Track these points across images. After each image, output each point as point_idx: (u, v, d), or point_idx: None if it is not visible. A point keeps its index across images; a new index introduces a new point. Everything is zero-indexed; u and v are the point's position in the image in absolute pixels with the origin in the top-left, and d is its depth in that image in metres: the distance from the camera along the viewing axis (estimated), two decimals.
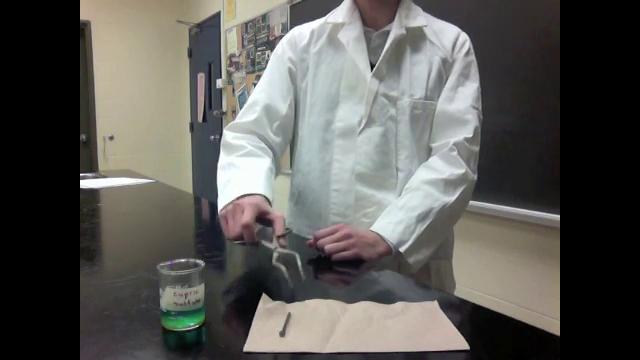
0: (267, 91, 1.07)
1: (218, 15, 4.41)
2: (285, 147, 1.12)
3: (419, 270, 0.97)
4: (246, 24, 3.89)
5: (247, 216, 0.78)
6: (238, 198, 0.85)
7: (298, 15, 3.17)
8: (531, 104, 1.75)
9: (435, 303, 0.67)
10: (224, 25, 4.31)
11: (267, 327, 0.59)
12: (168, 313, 0.58)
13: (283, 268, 0.67)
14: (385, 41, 1.02)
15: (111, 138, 4.82)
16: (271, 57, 1.13)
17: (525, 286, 1.88)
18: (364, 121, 1.01)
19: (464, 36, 1.07)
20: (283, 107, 1.07)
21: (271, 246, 0.77)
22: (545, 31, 1.69)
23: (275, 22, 3.45)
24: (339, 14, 1.06)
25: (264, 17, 3.61)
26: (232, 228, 0.81)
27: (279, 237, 0.80)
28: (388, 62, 1.02)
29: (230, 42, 4.17)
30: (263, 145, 1.03)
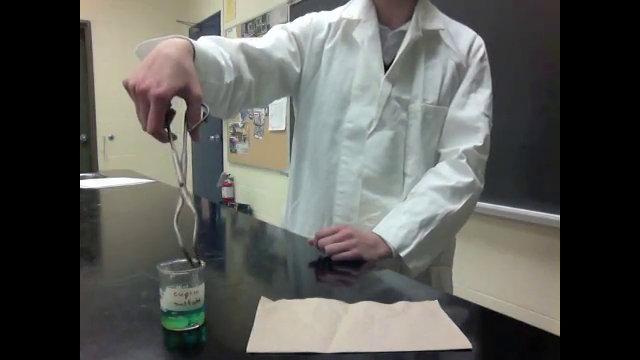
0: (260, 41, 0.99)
1: (218, 15, 4.41)
2: (245, 77, 0.93)
3: (419, 275, 0.96)
4: (246, 24, 3.89)
5: (154, 121, 0.64)
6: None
7: (298, 15, 3.16)
8: (531, 104, 1.75)
9: (436, 302, 0.67)
10: (224, 25, 4.31)
11: (269, 327, 0.58)
12: (168, 313, 0.58)
13: (179, 238, 0.58)
14: (400, 41, 0.99)
15: (111, 138, 4.82)
16: (278, 27, 1.05)
17: (525, 286, 1.88)
18: (374, 124, 0.99)
19: (479, 40, 1.05)
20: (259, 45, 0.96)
21: (179, 176, 0.63)
22: (545, 30, 1.69)
23: (275, 22, 3.45)
24: (354, 10, 1.03)
25: (264, 17, 3.61)
26: (144, 124, 0.67)
27: (192, 131, 0.68)
28: (402, 64, 1.00)
29: None
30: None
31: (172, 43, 0.71)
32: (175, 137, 0.67)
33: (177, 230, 0.59)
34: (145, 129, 0.66)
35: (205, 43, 0.83)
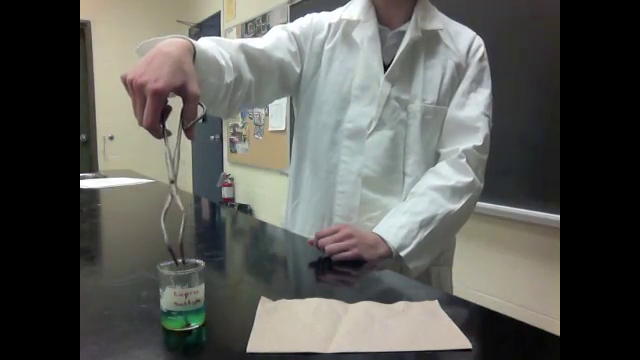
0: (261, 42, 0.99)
1: (218, 15, 4.41)
2: (242, 73, 0.92)
3: (419, 275, 0.96)
4: (246, 24, 3.89)
5: (150, 116, 0.64)
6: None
7: (298, 15, 3.15)
8: (531, 103, 1.75)
9: (436, 302, 0.67)
10: (224, 25, 4.31)
11: (269, 327, 0.58)
12: (168, 313, 0.58)
13: (165, 235, 0.57)
14: (400, 41, 1.00)
15: (111, 138, 4.82)
16: (278, 27, 1.05)
17: (525, 286, 1.88)
18: (374, 124, 0.99)
19: (479, 40, 1.05)
20: (260, 45, 0.97)
21: (170, 173, 0.62)
22: (544, 30, 1.68)
23: (275, 22, 3.45)
24: (354, 11, 1.04)
25: (264, 17, 3.61)
26: (140, 118, 0.66)
27: (187, 130, 0.67)
28: (402, 64, 1.00)
29: None
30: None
31: (173, 42, 0.72)
32: (170, 133, 0.67)
33: (164, 227, 0.59)
34: (141, 124, 0.66)
35: (205, 43, 0.84)
